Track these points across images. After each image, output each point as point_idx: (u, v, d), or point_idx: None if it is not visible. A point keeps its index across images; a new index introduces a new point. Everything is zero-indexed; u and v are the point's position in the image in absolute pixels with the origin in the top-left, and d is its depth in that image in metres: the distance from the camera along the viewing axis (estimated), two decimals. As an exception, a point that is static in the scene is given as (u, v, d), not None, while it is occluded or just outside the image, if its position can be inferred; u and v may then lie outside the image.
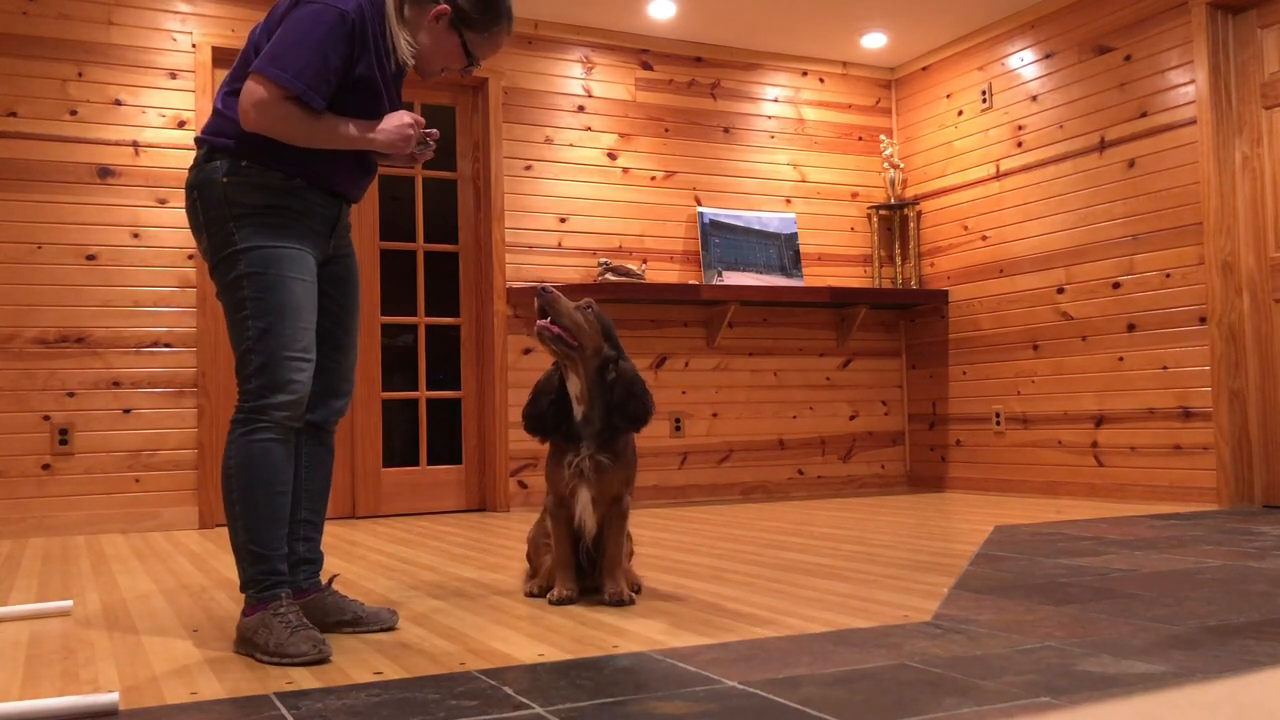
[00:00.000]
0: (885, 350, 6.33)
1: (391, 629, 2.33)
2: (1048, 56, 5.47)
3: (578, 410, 2.60)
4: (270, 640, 2.04)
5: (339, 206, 2.35)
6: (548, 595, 2.63)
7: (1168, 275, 4.85)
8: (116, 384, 4.70)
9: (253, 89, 2.12)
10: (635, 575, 2.81)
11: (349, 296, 2.43)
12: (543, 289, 2.51)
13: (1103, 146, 5.16)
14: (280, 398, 2.16)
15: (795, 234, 6.01)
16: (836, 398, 6.16)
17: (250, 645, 2.09)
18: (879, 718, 1.54)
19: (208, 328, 4.87)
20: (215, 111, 2.25)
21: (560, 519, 2.62)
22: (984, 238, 5.81)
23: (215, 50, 4.97)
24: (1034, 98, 5.54)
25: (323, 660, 2.02)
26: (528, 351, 5.44)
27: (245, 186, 2.18)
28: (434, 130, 2.35)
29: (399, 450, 5.52)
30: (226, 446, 2.18)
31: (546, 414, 2.60)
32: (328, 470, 2.41)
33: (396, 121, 2.25)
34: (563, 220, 5.58)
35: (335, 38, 2.16)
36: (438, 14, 2.32)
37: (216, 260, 2.21)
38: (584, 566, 2.70)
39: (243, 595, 2.17)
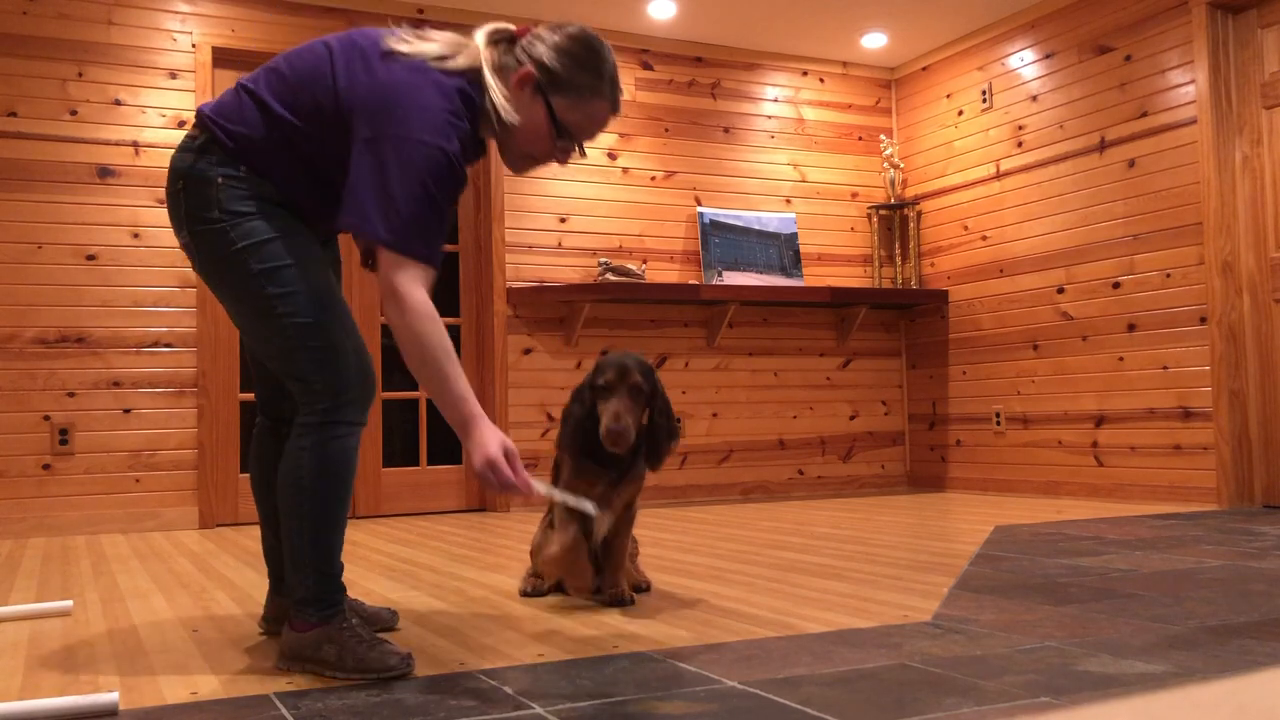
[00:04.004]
0: (885, 350, 6.32)
1: (391, 629, 2.33)
2: (1048, 56, 5.47)
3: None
4: (347, 657, 1.90)
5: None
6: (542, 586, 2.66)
7: (1168, 275, 4.85)
8: (116, 384, 4.70)
9: (402, 275, 1.87)
10: (643, 575, 2.81)
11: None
12: (611, 432, 2.43)
13: (1103, 146, 5.16)
14: (355, 393, 1.99)
15: (795, 234, 6.00)
16: (836, 398, 6.16)
17: (315, 663, 1.93)
18: (879, 718, 1.54)
19: (208, 328, 4.87)
20: (235, 95, 2.04)
21: (574, 521, 2.57)
22: (984, 238, 5.81)
23: (215, 50, 4.97)
24: (1034, 98, 5.54)
25: (408, 672, 1.90)
26: (528, 351, 5.44)
27: (239, 195, 1.97)
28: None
29: (399, 450, 5.52)
30: (296, 455, 1.98)
31: (583, 443, 2.57)
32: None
33: (494, 452, 1.88)
34: (563, 220, 5.58)
35: (447, 189, 1.92)
36: (521, 79, 2.04)
37: (212, 262, 2.00)
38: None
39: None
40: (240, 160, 2.00)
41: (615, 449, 2.45)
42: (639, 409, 2.51)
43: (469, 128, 1.99)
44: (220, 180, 1.98)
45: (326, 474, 1.97)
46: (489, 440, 1.88)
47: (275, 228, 2.00)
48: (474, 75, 2.03)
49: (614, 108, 2.11)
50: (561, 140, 2.10)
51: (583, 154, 2.17)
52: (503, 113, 2.03)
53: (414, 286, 1.88)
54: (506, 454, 1.88)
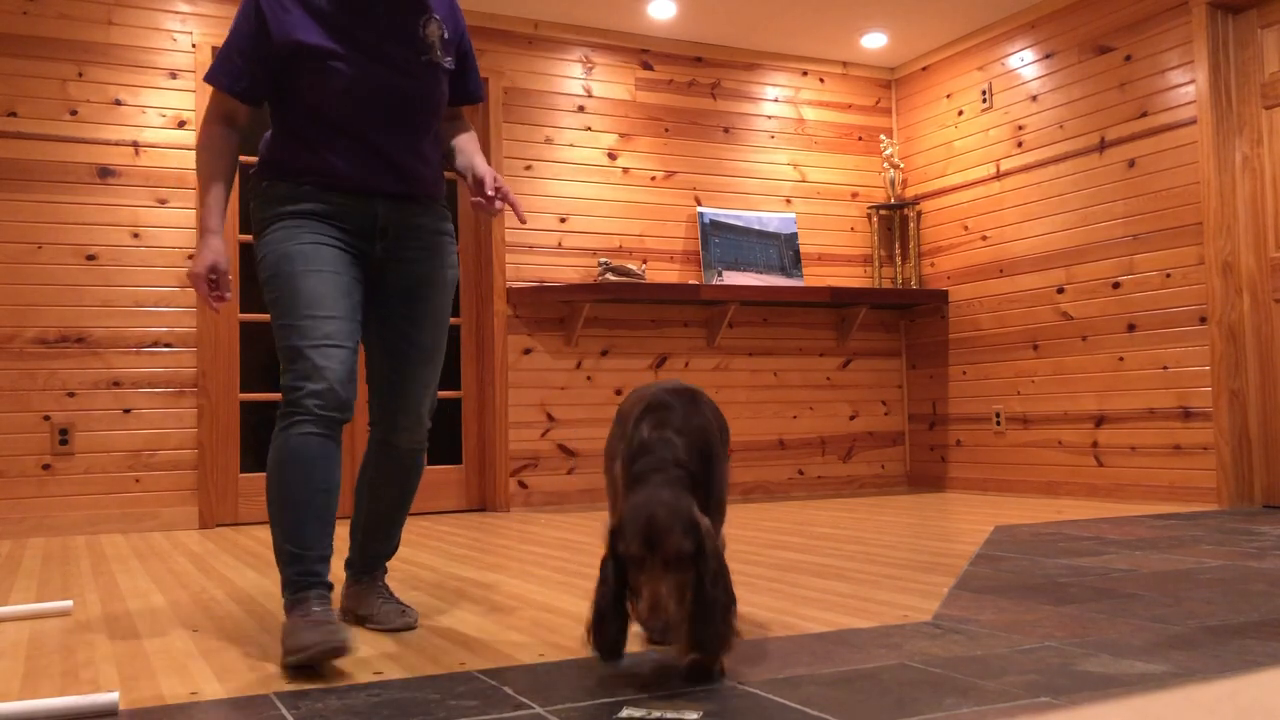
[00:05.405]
0: (885, 350, 6.33)
1: (411, 627, 2.31)
2: (1048, 56, 5.47)
3: None
4: (287, 638, 1.93)
5: (373, 205, 2.26)
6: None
7: (1168, 275, 4.85)
8: (116, 384, 4.70)
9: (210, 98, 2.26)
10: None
11: (415, 308, 2.33)
12: (650, 630, 1.73)
13: (1103, 146, 5.16)
14: (309, 386, 2.09)
15: (795, 234, 6.01)
16: (836, 398, 6.16)
17: (282, 650, 1.96)
18: (879, 718, 1.54)
19: (208, 328, 4.87)
20: None
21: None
22: (984, 238, 5.81)
23: (215, 50, 4.96)
24: (1034, 98, 5.54)
25: (329, 653, 1.86)
26: (528, 351, 5.44)
27: (264, 201, 2.24)
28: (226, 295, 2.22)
29: (399, 450, 5.52)
30: (270, 446, 2.16)
31: (614, 637, 1.83)
32: (400, 485, 2.44)
33: (198, 269, 2.17)
34: (563, 220, 5.58)
35: (245, 24, 2.20)
36: None
37: (258, 270, 2.26)
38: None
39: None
40: (262, 175, 2.25)
41: (661, 642, 1.77)
42: (685, 581, 1.80)
43: None
44: (253, 204, 2.27)
45: (285, 461, 2.09)
46: (199, 259, 2.16)
47: (282, 233, 2.20)
48: None
49: None
50: None
51: None
52: None
53: (211, 105, 2.23)
54: (214, 271, 2.16)
